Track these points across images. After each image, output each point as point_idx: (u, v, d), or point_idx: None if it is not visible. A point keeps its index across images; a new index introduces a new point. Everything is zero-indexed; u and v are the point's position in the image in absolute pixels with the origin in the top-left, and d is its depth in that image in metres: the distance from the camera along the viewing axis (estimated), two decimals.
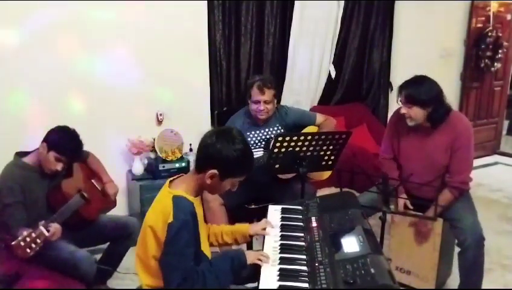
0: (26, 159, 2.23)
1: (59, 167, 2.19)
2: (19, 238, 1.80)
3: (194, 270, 1.54)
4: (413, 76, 2.41)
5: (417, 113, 2.35)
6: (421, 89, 2.32)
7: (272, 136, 2.79)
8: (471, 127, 2.47)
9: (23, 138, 2.40)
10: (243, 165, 1.64)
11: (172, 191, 1.61)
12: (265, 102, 2.71)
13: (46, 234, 1.89)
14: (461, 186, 2.41)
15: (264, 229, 1.87)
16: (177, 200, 1.56)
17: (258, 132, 2.81)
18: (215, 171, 1.59)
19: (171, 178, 1.72)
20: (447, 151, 2.41)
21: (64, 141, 2.18)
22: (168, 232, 1.51)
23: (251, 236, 1.90)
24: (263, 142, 2.81)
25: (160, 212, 1.56)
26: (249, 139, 2.78)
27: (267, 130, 2.82)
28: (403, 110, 2.39)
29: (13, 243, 1.79)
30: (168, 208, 1.53)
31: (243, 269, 1.66)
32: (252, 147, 2.76)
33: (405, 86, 2.38)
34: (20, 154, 2.26)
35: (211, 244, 1.88)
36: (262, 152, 2.76)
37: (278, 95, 2.94)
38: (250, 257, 1.65)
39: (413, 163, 2.52)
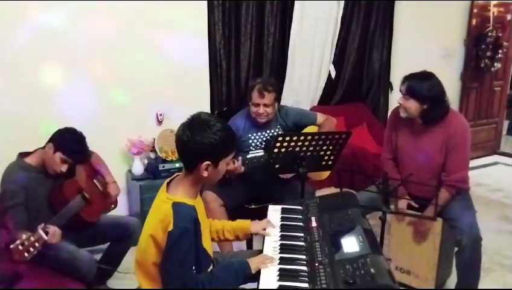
0: (29, 160, 2.22)
1: (63, 168, 2.19)
2: (17, 242, 1.78)
3: (193, 279, 1.52)
4: (422, 71, 2.43)
5: (412, 107, 2.37)
6: (423, 85, 2.35)
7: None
8: (467, 126, 2.46)
9: (23, 138, 2.40)
10: (230, 143, 1.61)
11: (171, 197, 1.56)
12: (265, 105, 2.68)
13: (45, 237, 1.86)
14: (458, 184, 2.41)
15: (265, 229, 1.86)
16: (177, 207, 1.51)
17: (259, 133, 2.80)
18: (207, 162, 1.55)
19: (168, 180, 1.68)
20: (441, 149, 2.41)
21: (72, 143, 2.18)
22: (168, 240, 1.47)
23: (252, 234, 1.90)
24: (263, 144, 2.81)
25: (159, 221, 1.51)
26: (250, 140, 2.78)
27: (268, 131, 2.81)
28: (400, 100, 2.42)
29: (11, 246, 1.77)
30: (168, 216, 1.49)
31: (249, 279, 1.64)
32: (253, 148, 2.76)
33: (410, 78, 2.41)
34: (23, 155, 2.25)
35: (212, 240, 1.86)
36: (262, 153, 2.75)
37: (279, 98, 2.92)
38: (254, 265, 1.61)
39: (409, 161, 2.52)
